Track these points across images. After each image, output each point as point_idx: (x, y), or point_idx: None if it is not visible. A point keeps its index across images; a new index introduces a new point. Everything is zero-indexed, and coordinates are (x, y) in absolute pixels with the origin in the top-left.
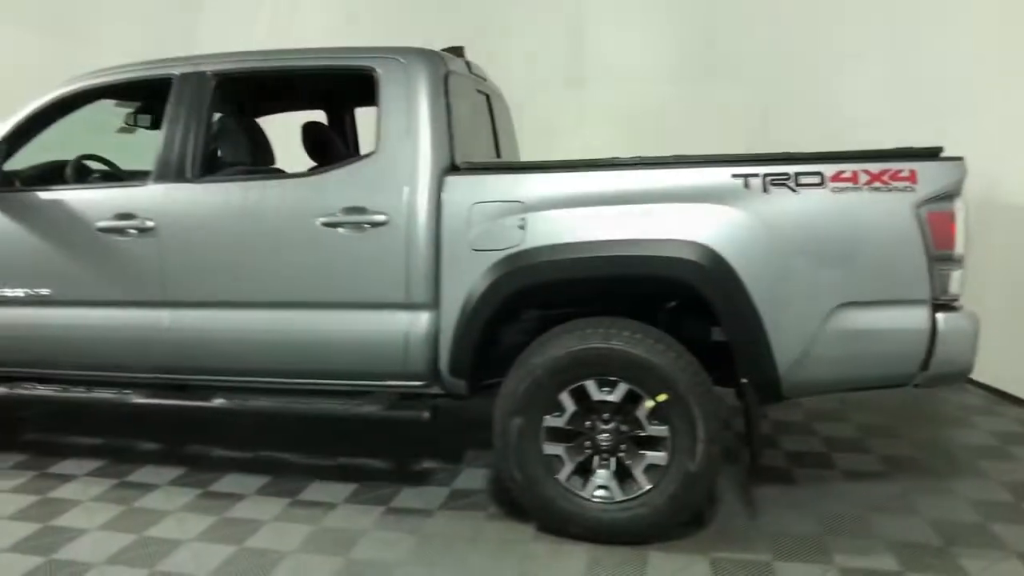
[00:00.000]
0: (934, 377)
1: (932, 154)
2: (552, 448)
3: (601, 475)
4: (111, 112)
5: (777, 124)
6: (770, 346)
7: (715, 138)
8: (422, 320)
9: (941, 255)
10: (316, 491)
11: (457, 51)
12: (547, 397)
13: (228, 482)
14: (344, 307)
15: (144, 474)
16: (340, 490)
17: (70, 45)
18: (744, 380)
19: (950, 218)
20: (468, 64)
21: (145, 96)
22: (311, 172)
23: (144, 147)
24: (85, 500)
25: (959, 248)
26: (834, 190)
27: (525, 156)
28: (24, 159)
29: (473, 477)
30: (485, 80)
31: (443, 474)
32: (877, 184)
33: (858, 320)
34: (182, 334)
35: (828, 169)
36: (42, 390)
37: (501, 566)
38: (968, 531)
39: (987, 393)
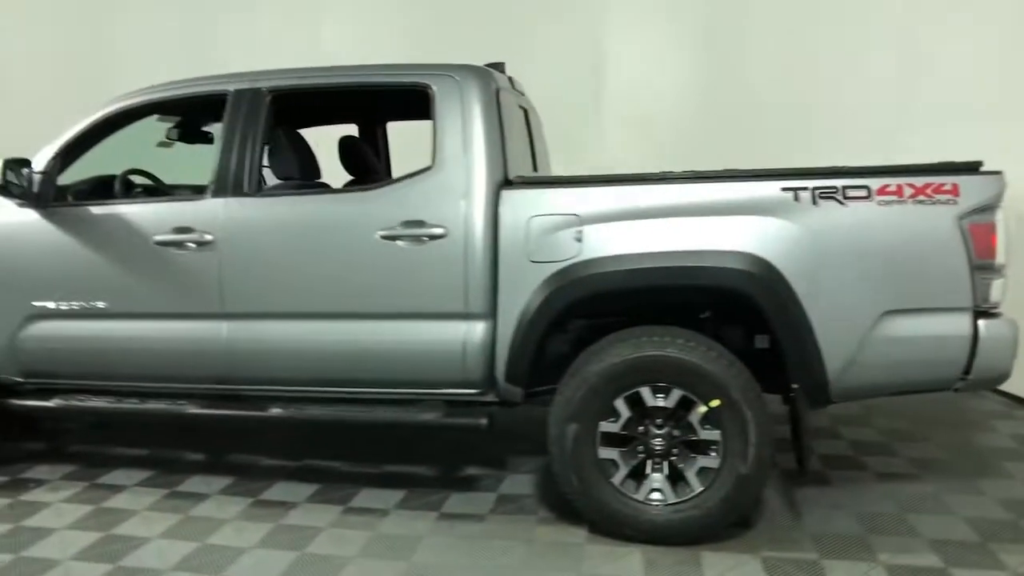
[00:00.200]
0: (975, 382)
1: (972, 168)
2: (607, 453)
3: (655, 478)
4: (147, 127)
5: (795, 135)
6: (821, 353)
7: (734, 150)
8: (479, 329)
9: (982, 264)
10: (367, 498)
11: (499, 67)
12: (603, 403)
13: (278, 490)
14: (403, 317)
15: (194, 484)
16: (390, 496)
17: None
18: (795, 386)
19: (991, 229)
20: (511, 80)
21: (190, 112)
22: (370, 187)
23: (178, 160)
24: (141, 509)
25: (1000, 258)
26: (880, 203)
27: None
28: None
29: (518, 483)
30: (523, 95)
31: (488, 480)
32: (921, 197)
33: (903, 327)
34: (240, 345)
35: (874, 183)
36: (96, 402)
37: (561, 567)
38: (1003, 528)
39: (1003, 398)
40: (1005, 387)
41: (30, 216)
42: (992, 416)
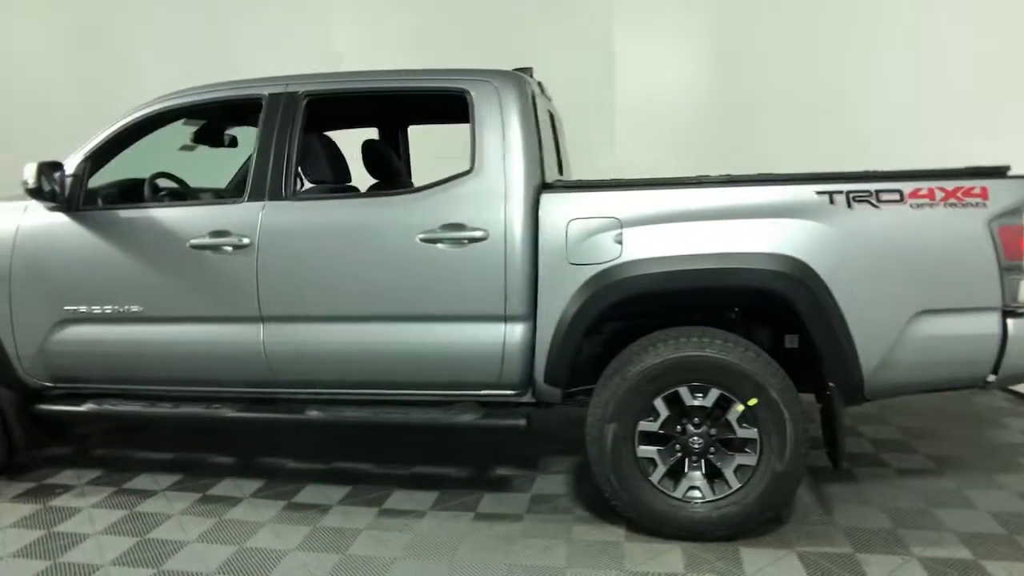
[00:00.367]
0: (1002, 379)
1: (1000, 172)
2: (646, 451)
3: (694, 476)
4: (168, 130)
5: (804, 139)
6: (856, 352)
7: (745, 152)
8: (519, 331)
9: (1011, 265)
10: (400, 500)
11: (528, 72)
12: (643, 403)
13: (310, 493)
14: (442, 320)
15: (225, 487)
16: (424, 498)
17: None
18: (831, 384)
19: (1020, 231)
20: (540, 85)
21: (220, 116)
22: (409, 190)
23: (198, 165)
24: (175, 514)
25: None
26: (913, 206)
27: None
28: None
29: (550, 483)
30: (550, 100)
31: (520, 481)
32: (952, 200)
33: (935, 326)
34: (277, 348)
35: (907, 186)
36: (129, 406)
37: (604, 564)
38: None
39: (1009, 396)
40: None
41: (60, 220)
42: (1001, 413)
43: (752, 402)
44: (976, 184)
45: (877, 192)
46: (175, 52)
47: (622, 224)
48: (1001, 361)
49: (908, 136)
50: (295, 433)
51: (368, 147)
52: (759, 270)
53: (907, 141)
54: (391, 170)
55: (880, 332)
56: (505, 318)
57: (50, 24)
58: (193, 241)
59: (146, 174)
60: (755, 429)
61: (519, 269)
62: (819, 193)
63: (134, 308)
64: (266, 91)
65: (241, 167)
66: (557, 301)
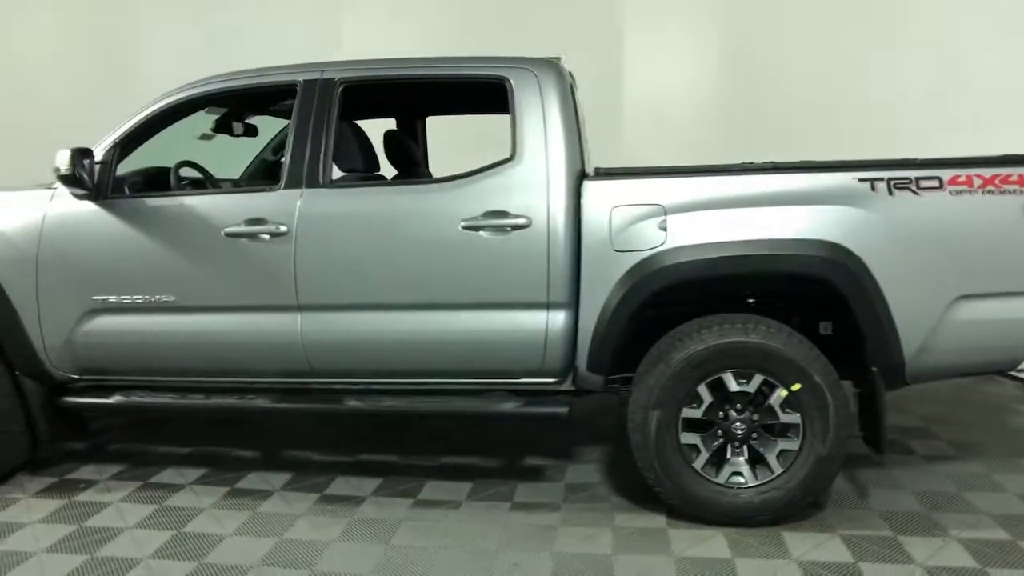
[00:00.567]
0: None
1: None
2: (689, 438)
3: (737, 462)
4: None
5: (815, 138)
6: (898, 336)
7: (754, 147)
8: (561, 318)
9: None
10: (433, 490)
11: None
12: (686, 389)
13: (341, 485)
14: (484, 307)
15: (253, 480)
16: (457, 488)
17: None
18: (874, 368)
19: None
20: (571, 74)
21: (250, 103)
22: (450, 177)
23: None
24: (206, 507)
25: None
26: (952, 193)
27: None
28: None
29: (583, 472)
30: (577, 89)
31: (551, 470)
32: (990, 188)
33: (974, 311)
34: (315, 337)
35: (945, 174)
36: (159, 398)
37: (652, 550)
38: None
39: (1018, 383)
40: (1019, 373)
41: (89, 208)
42: (1014, 401)
43: (795, 387)
44: (1013, 171)
45: (917, 179)
46: (179, 51)
47: (666, 211)
48: None
49: (921, 135)
50: (316, 425)
51: (390, 137)
52: (806, 256)
53: (920, 139)
54: (413, 160)
55: (921, 317)
56: (548, 305)
57: (55, 22)
58: (228, 229)
59: (162, 163)
60: (798, 414)
61: (562, 256)
62: (861, 180)
63: (167, 297)
64: (301, 77)
65: (255, 157)
66: (601, 288)
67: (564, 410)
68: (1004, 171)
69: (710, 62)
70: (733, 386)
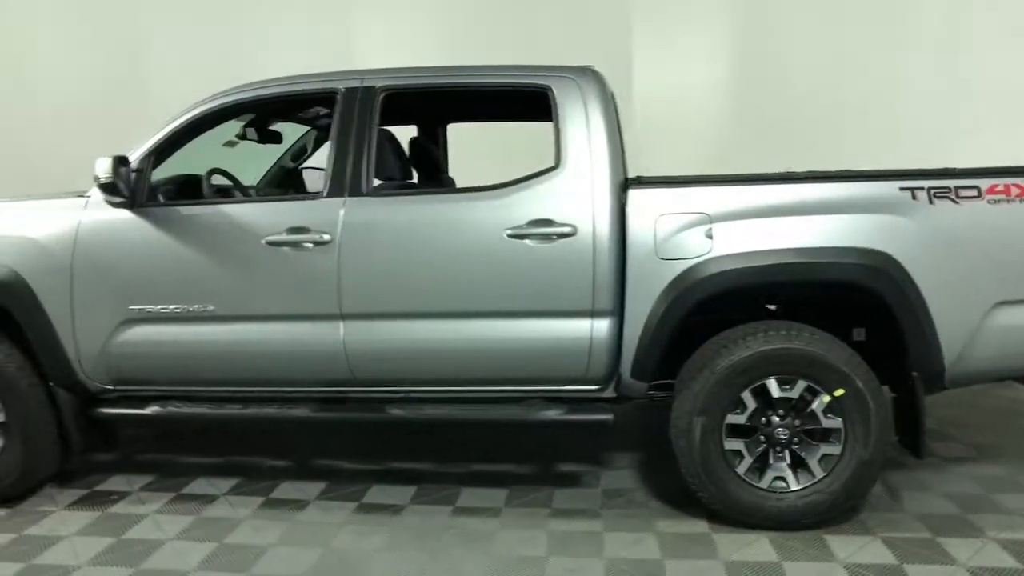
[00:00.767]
0: None
1: None
2: (732, 444)
3: (779, 467)
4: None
5: (827, 140)
6: (939, 342)
7: (765, 153)
8: (605, 326)
9: None
10: (471, 498)
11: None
12: (731, 396)
13: (377, 493)
14: (529, 315)
15: (287, 490)
16: (494, 495)
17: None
18: (914, 374)
19: None
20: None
21: (284, 111)
22: (494, 186)
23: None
24: (245, 518)
25: None
26: (990, 201)
27: None
28: None
29: (618, 478)
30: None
31: (586, 476)
32: None
33: (1012, 316)
34: (359, 346)
35: (984, 183)
36: (196, 408)
37: (699, 555)
38: None
39: None
40: None
41: (124, 216)
42: None
43: (838, 392)
44: None
45: (956, 188)
46: (179, 50)
47: (712, 219)
48: None
49: (935, 135)
50: (340, 433)
51: (415, 144)
52: (853, 264)
53: (933, 140)
54: (437, 168)
55: (961, 323)
56: (592, 313)
57: (56, 22)
58: (269, 238)
59: (182, 171)
60: (840, 419)
61: (607, 264)
62: (902, 189)
63: (206, 307)
64: (341, 85)
65: (274, 163)
66: (646, 296)
67: (609, 417)
68: None
69: (720, 65)
70: (776, 392)
